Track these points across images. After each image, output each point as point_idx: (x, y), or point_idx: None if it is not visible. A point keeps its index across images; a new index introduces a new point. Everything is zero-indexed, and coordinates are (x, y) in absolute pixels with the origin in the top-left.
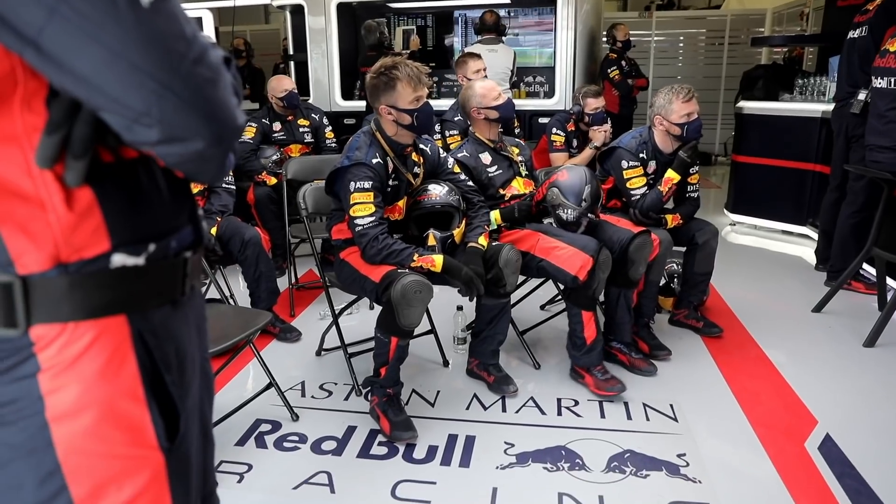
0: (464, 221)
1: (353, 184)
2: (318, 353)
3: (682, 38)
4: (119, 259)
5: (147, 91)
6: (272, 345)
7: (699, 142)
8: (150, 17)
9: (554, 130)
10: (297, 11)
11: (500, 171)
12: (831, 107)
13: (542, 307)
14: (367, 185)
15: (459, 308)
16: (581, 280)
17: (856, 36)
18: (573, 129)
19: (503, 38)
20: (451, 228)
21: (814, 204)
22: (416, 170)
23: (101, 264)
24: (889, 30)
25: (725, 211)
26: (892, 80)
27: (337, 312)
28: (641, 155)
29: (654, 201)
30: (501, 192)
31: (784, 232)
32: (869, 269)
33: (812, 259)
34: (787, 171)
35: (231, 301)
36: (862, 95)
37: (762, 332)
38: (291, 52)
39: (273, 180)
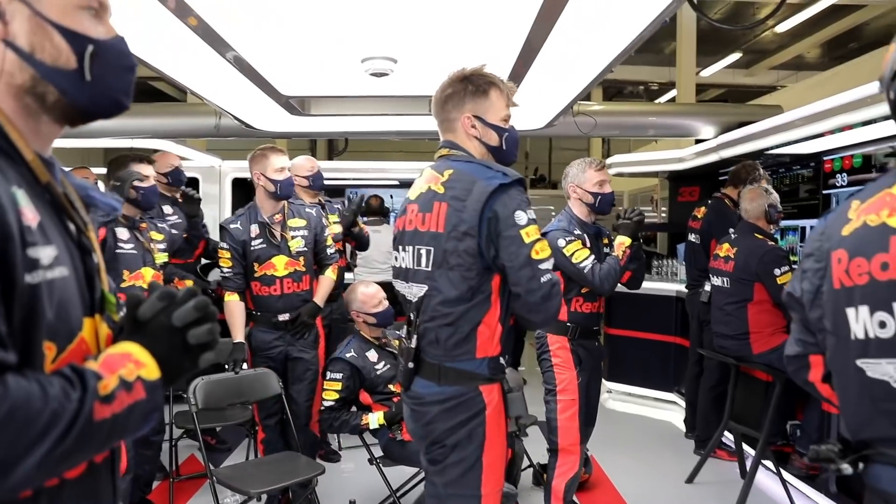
0: None
1: None
2: None
3: (553, 212)
4: None
5: None
6: None
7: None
8: None
9: None
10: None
11: (388, 366)
12: (682, 287)
13: None
14: None
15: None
16: None
17: (692, 240)
18: None
19: (388, 220)
20: None
21: (677, 372)
22: None
23: None
24: (712, 241)
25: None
26: (725, 279)
27: None
28: (576, 231)
29: (612, 266)
30: (391, 387)
31: (655, 399)
32: (730, 436)
33: (681, 425)
34: (652, 343)
35: None
36: (708, 287)
37: None
38: None
39: None
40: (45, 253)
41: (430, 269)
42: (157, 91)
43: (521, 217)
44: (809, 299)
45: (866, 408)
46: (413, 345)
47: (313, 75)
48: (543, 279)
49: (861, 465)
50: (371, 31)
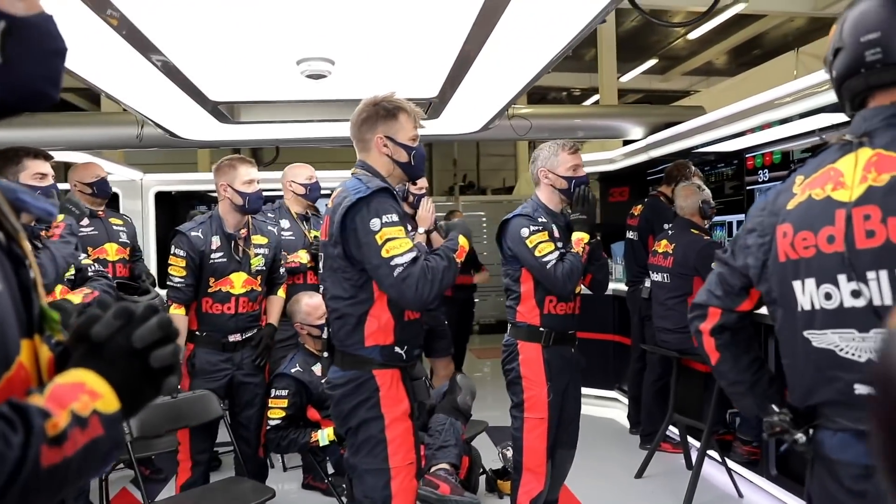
0: None
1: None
2: None
3: (484, 218)
4: None
5: None
6: None
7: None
8: None
9: None
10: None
11: None
12: (618, 285)
13: None
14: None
15: None
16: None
17: (631, 237)
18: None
19: None
20: None
21: (617, 370)
22: None
23: None
24: (650, 238)
25: None
26: (665, 275)
27: None
28: (541, 219)
29: (573, 264)
30: None
31: (596, 397)
32: (674, 430)
33: (624, 421)
34: (590, 342)
35: None
36: (648, 283)
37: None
38: None
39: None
40: None
41: (324, 271)
42: (67, 103)
43: (376, 224)
44: (756, 274)
45: (812, 376)
46: (325, 336)
47: (244, 78)
48: (395, 273)
49: (811, 433)
50: (307, 31)
